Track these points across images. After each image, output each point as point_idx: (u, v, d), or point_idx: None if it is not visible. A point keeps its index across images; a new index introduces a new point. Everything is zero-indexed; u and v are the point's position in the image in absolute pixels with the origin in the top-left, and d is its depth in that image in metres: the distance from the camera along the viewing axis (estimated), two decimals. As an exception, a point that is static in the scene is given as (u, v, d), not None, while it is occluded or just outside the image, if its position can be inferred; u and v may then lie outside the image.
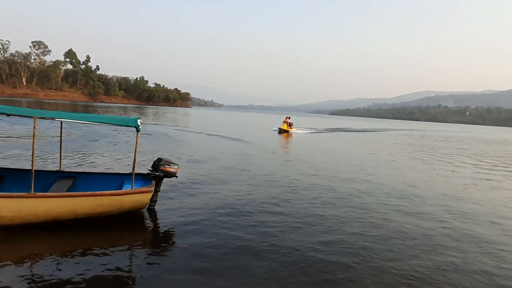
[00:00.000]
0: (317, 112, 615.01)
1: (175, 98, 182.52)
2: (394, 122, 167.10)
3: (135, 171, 6.02)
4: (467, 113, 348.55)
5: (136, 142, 5.81)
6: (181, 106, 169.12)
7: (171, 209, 6.62)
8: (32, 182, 4.99)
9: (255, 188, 8.95)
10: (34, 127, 5.02)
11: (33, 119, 4.97)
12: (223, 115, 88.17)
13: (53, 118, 5.06)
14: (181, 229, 5.70)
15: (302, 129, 38.62)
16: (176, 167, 6.46)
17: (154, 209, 6.37)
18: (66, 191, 5.81)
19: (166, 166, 6.31)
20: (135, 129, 5.61)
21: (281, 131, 33.27)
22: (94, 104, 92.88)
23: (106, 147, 13.99)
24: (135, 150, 5.89)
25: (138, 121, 5.67)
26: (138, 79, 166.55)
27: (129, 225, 5.79)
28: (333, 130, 45.96)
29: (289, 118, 36.15)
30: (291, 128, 34.37)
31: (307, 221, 6.62)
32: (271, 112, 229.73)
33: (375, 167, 14.26)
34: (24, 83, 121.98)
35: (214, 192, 8.22)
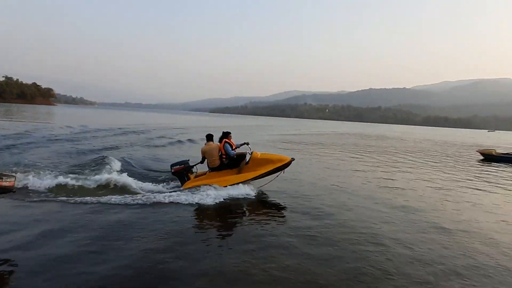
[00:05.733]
0: (197, 110, 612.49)
1: (33, 95, 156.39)
2: (267, 118, 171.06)
3: None
4: (327, 110, 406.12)
5: None
6: (41, 104, 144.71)
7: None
8: None
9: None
10: None
11: None
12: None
13: None
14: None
15: None
16: (13, 179, 4.96)
17: None
18: None
19: None
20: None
21: None
22: None
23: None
24: None
25: None
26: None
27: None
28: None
29: None
30: None
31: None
32: (144, 111, 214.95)
33: None
34: None
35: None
